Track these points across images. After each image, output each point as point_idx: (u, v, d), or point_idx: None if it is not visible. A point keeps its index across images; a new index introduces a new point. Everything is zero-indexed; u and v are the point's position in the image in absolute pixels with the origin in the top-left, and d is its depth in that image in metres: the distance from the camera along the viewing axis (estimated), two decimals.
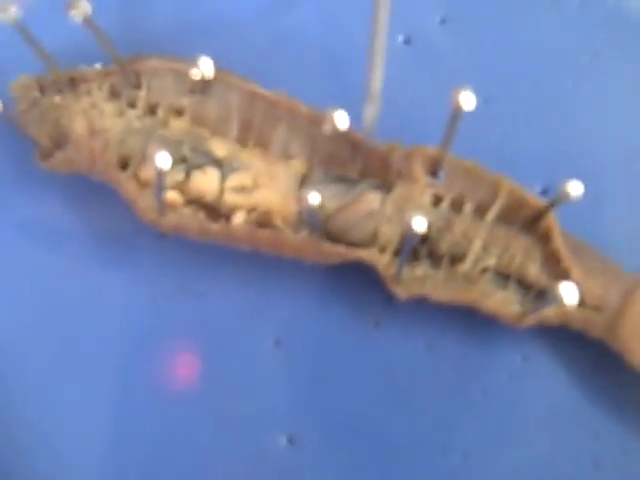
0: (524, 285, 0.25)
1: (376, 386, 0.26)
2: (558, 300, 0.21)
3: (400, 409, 0.26)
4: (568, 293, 0.21)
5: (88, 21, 0.22)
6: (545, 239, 0.25)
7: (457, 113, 0.22)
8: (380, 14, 0.22)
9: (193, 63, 0.25)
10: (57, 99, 0.26)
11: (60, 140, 0.26)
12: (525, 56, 0.29)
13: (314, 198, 0.21)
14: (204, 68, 0.24)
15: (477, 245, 0.25)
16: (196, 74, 0.24)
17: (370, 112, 0.24)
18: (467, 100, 0.21)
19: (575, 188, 0.22)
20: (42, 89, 0.26)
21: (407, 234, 0.22)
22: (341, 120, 0.22)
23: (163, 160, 0.21)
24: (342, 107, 0.25)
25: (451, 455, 0.26)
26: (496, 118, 0.28)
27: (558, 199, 0.23)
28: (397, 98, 0.28)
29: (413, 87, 0.28)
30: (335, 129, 0.22)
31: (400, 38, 0.29)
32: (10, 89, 0.26)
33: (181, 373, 0.27)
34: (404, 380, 0.26)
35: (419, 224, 0.21)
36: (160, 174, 0.22)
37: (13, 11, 0.22)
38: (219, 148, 0.25)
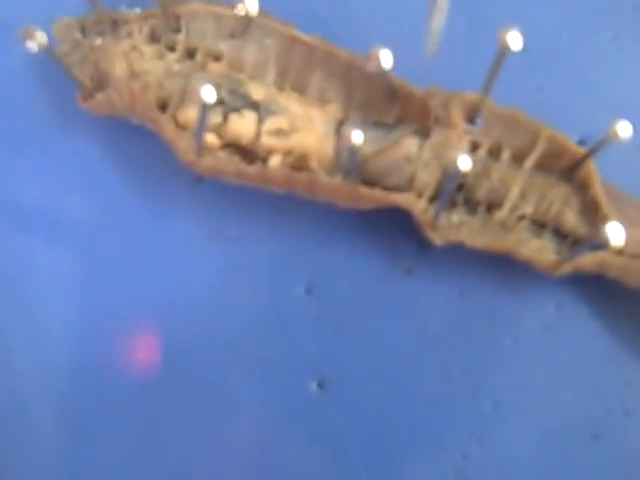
0: (560, 233, 0.25)
1: (407, 333, 0.26)
2: (604, 241, 0.20)
3: (431, 356, 0.26)
4: (615, 234, 0.20)
5: None
6: (584, 187, 0.24)
7: (503, 53, 0.21)
8: None
9: (233, 6, 0.25)
10: (98, 41, 0.26)
11: (101, 82, 0.25)
12: (566, 6, 0.28)
13: (357, 137, 0.21)
14: (249, 5, 0.23)
15: (514, 192, 0.24)
16: (240, 9, 0.23)
17: (436, 22, 0.23)
18: (514, 40, 0.21)
19: (624, 129, 0.21)
20: (84, 31, 0.26)
21: (450, 174, 0.21)
22: (386, 59, 0.22)
23: (208, 94, 0.20)
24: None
25: (481, 401, 0.26)
26: (534, 69, 0.28)
27: (605, 141, 0.22)
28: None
29: (449, 32, 0.28)
30: (379, 67, 0.22)
31: None
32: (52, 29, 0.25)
33: None
34: (436, 327, 0.26)
35: (464, 163, 0.20)
36: (204, 108, 0.21)
37: None
38: (256, 92, 0.25)
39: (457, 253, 0.25)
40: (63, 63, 0.25)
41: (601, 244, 0.20)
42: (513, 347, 0.26)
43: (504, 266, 0.25)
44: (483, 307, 0.26)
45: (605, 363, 0.25)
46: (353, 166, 0.23)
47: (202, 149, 0.24)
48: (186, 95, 0.25)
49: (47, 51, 0.22)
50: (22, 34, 0.22)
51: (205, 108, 0.21)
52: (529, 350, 0.26)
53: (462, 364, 0.26)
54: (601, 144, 0.22)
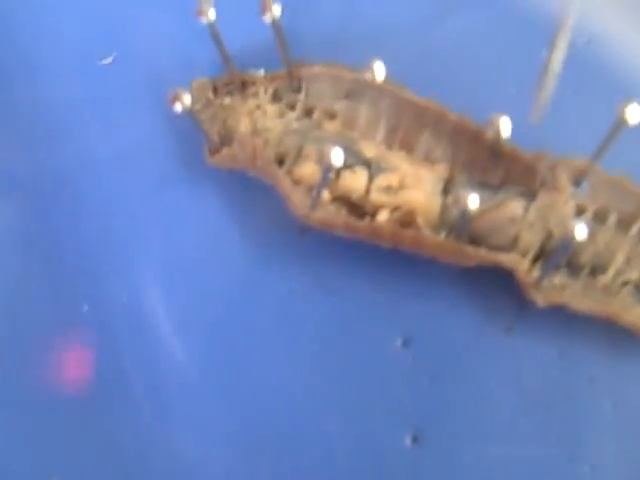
0: None
1: (504, 392, 0.26)
2: None
3: (528, 416, 0.26)
4: None
5: (276, 24, 0.24)
6: None
7: (619, 126, 0.21)
8: None
9: (353, 69, 0.26)
10: (227, 100, 0.28)
11: (227, 138, 0.27)
12: None
13: (472, 200, 0.22)
14: (377, 72, 0.25)
15: (620, 258, 0.24)
16: (368, 76, 0.25)
17: (545, 90, 0.23)
18: (634, 114, 0.21)
19: None
20: (215, 90, 0.28)
21: (563, 240, 0.21)
22: (505, 127, 0.23)
23: (337, 156, 0.22)
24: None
25: (579, 465, 0.25)
26: None
27: None
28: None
29: (559, 101, 0.28)
30: (498, 135, 0.23)
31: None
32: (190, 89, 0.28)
33: None
34: (534, 387, 0.26)
35: (581, 232, 0.21)
36: (329, 169, 0.23)
37: (211, 14, 0.23)
38: (368, 150, 0.26)
39: (557, 313, 0.25)
40: (197, 120, 0.27)
41: None
42: (612, 410, 0.25)
43: (604, 328, 0.25)
44: (582, 369, 0.26)
45: None
46: (463, 227, 0.24)
47: (317, 203, 0.25)
48: (303, 152, 0.26)
49: (188, 111, 0.24)
50: (172, 96, 0.24)
51: (329, 169, 0.23)
52: (629, 414, 0.25)
53: (560, 426, 0.26)
54: None
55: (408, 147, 0.27)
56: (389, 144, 0.27)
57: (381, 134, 0.27)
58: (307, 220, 0.26)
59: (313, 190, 0.25)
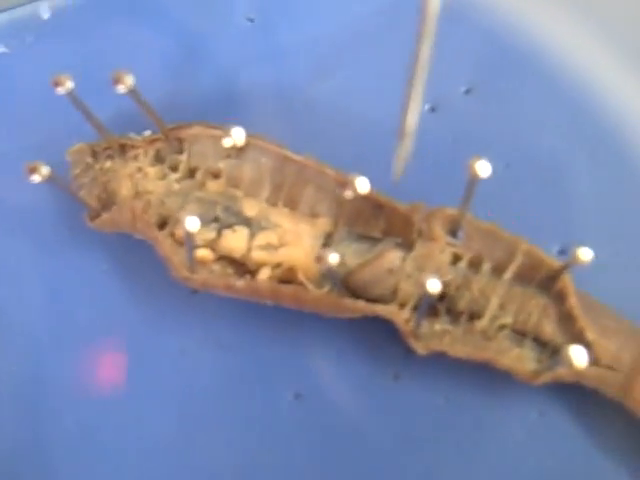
0: (541, 343, 0.25)
1: (394, 439, 0.26)
2: (568, 362, 0.20)
3: (416, 462, 0.26)
4: (578, 355, 0.20)
5: (133, 93, 0.23)
6: (561, 298, 0.24)
7: (473, 180, 0.22)
8: (423, 49, 0.22)
9: (230, 130, 0.26)
10: (107, 164, 0.27)
11: (108, 202, 0.27)
12: (542, 125, 0.29)
13: (333, 258, 0.22)
14: (236, 136, 0.25)
15: (494, 303, 0.25)
16: (228, 142, 0.25)
17: (403, 150, 0.24)
18: (483, 168, 0.21)
19: (585, 254, 0.22)
20: (95, 155, 0.27)
21: (423, 294, 0.22)
22: (362, 185, 0.23)
23: (192, 223, 0.22)
24: (367, 170, 0.26)
25: None
26: (516, 182, 0.28)
27: (571, 263, 0.22)
28: (421, 162, 0.28)
29: (436, 152, 0.29)
30: (356, 194, 0.23)
31: (426, 106, 0.30)
32: (66, 154, 0.27)
33: None
34: (422, 433, 0.26)
35: (433, 286, 0.21)
36: (189, 236, 0.23)
37: (69, 84, 0.23)
38: (250, 208, 0.26)
39: (443, 360, 0.25)
40: (72, 186, 0.27)
41: (565, 364, 0.20)
42: (498, 453, 0.26)
43: (488, 372, 0.25)
44: (468, 414, 0.26)
45: (587, 471, 0.25)
46: (335, 282, 0.24)
47: (194, 266, 0.25)
48: (178, 217, 0.26)
49: (52, 181, 0.24)
50: (27, 168, 0.24)
51: (189, 234, 0.22)
52: (513, 456, 0.26)
53: (448, 470, 0.26)
54: (568, 265, 0.23)
55: (293, 203, 0.27)
56: (274, 201, 0.27)
57: (266, 191, 0.27)
58: (188, 282, 0.26)
59: (186, 253, 0.24)
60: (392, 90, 0.29)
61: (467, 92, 0.30)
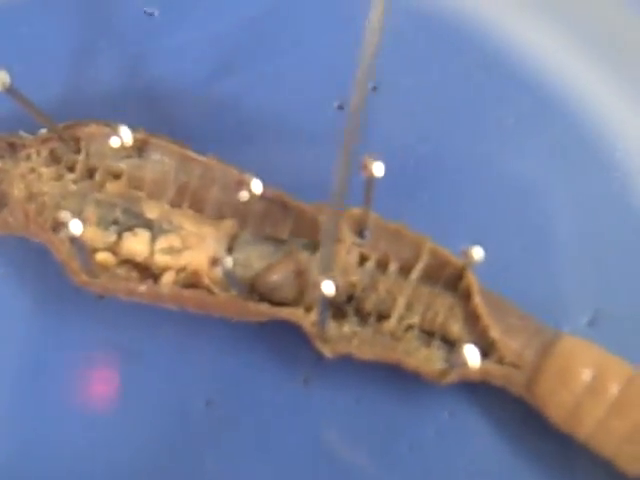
0: (449, 342, 0.24)
1: (305, 443, 0.25)
2: (461, 362, 0.19)
3: (328, 466, 0.25)
4: (470, 354, 0.19)
5: (10, 90, 0.21)
6: (466, 297, 0.24)
7: (370, 180, 0.21)
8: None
9: (132, 129, 0.24)
10: None
11: (1, 203, 0.25)
12: (453, 122, 0.28)
13: (228, 262, 0.20)
14: (123, 136, 0.23)
15: (401, 303, 0.24)
16: (115, 142, 0.23)
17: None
18: (378, 168, 0.20)
19: (477, 253, 0.21)
20: None
21: (319, 296, 0.21)
22: (255, 187, 0.22)
23: (75, 226, 0.20)
24: (274, 170, 0.25)
25: None
26: (425, 180, 0.28)
27: (467, 262, 0.22)
28: (328, 161, 0.27)
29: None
30: (251, 194, 0.22)
31: (335, 104, 0.29)
32: None
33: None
34: (333, 436, 0.25)
35: (327, 287, 0.20)
36: (74, 240, 0.21)
37: None
38: (151, 210, 0.25)
39: (354, 362, 0.24)
40: None
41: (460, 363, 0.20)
42: (409, 454, 0.25)
43: (400, 375, 0.24)
44: (379, 415, 0.25)
45: (498, 470, 0.24)
46: (236, 286, 0.23)
47: (93, 270, 0.23)
48: (82, 216, 0.24)
49: None
50: None
51: (74, 238, 0.21)
52: (424, 457, 0.25)
53: (359, 473, 0.25)
54: (467, 264, 0.22)
55: (198, 205, 0.25)
56: (179, 203, 0.25)
57: (170, 193, 0.25)
58: (87, 287, 0.24)
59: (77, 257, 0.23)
60: (291, 90, 0.29)
61: (374, 89, 0.29)
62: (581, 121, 0.28)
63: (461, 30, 0.29)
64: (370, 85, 0.29)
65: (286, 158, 0.28)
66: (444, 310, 0.24)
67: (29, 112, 0.23)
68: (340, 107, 0.29)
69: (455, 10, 0.30)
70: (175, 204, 0.25)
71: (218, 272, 0.24)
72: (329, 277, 0.20)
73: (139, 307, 0.25)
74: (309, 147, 0.28)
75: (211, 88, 0.28)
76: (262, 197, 0.24)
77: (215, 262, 0.20)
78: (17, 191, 0.24)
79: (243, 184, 0.22)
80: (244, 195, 0.22)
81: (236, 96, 0.28)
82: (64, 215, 0.20)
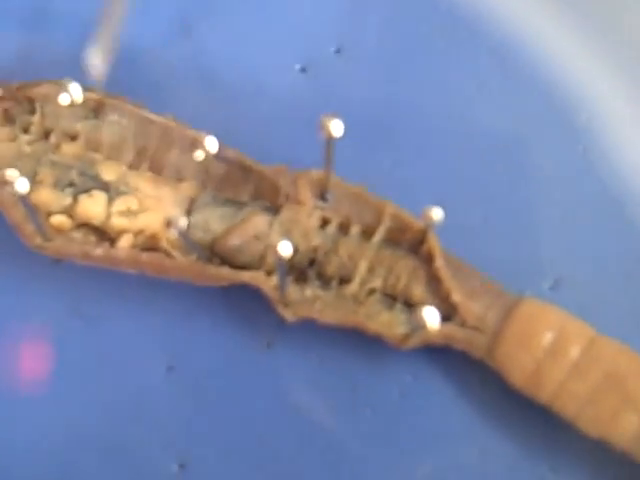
0: (412, 306, 0.23)
1: (268, 407, 0.24)
2: (421, 324, 0.19)
3: (292, 427, 0.24)
4: (430, 316, 0.19)
5: None
6: (429, 260, 0.23)
7: (329, 140, 0.20)
8: None
9: (87, 88, 0.23)
10: None
11: None
12: (417, 85, 0.28)
13: (182, 222, 0.19)
14: (73, 93, 0.22)
15: (363, 267, 0.23)
16: (65, 99, 0.22)
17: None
18: (336, 127, 0.19)
19: (436, 214, 0.20)
20: None
21: (276, 259, 0.20)
22: (211, 145, 0.20)
23: (21, 184, 0.19)
24: (234, 132, 0.24)
25: (341, 476, 0.24)
26: (389, 142, 0.27)
27: (428, 223, 0.21)
28: (291, 123, 0.26)
29: (307, 113, 0.26)
30: (206, 153, 0.21)
31: (297, 67, 0.27)
32: None
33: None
34: (296, 399, 0.24)
35: (285, 249, 0.19)
36: (24, 201, 0.20)
37: None
38: (109, 172, 0.24)
39: (317, 326, 0.23)
40: None
41: (420, 326, 0.19)
42: (372, 416, 0.24)
43: (364, 338, 0.23)
44: (343, 379, 0.24)
45: (461, 432, 0.24)
46: (193, 248, 0.22)
47: (48, 233, 0.22)
48: (37, 178, 0.23)
49: None
50: None
51: (25, 201, 0.20)
52: (388, 420, 0.24)
53: (323, 435, 0.24)
54: (428, 226, 0.21)
55: (158, 167, 0.24)
56: (137, 165, 0.24)
57: (128, 155, 0.24)
58: (41, 251, 0.23)
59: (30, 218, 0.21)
60: (253, 52, 0.27)
61: (337, 52, 0.28)
62: (547, 84, 0.27)
63: None
64: (333, 48, 0.28)
65: (248, 120, 0.27)
66: (406, 273, 0.23)
67: None
68: (302, 70, 0.27)
69: None
70: (134, 166, 0.24)
71: (175, 234, 0.23)
72: (295, 239, 0.19)
73: (97, 271, 0.24)
74: (271, 109, 0.27)
75: (167, 50, 0.27)
76: (221, 158, 0.24)
77: (170, 224, 0.19)
78: None
79: (198, 143, 0.21)
80: (199, 155, 0.21)
81: (197, 56, 0.27)
82: (10, 173, 0.19)
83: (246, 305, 0.25)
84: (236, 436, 0.24)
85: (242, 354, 0.25)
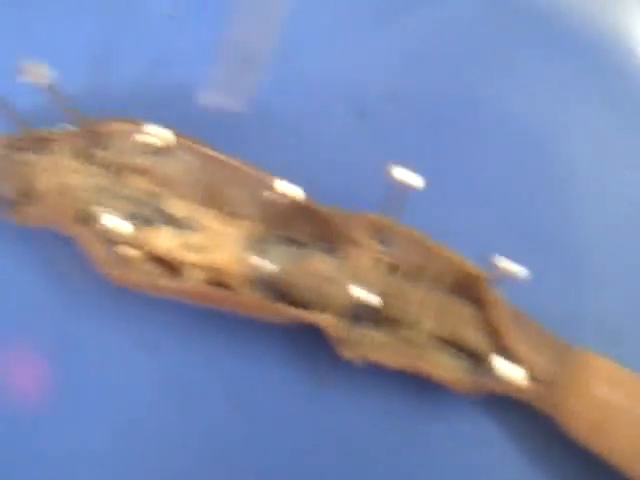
0: (465, 351, 0.24)
1: (325, 446, 0.24)
2: (498, 375, 0.19)
3: (351, 469, 0.24)
4: (511, 371, 0.19)
5: (49, 86, 0.21)
6: (485, 308, 0.23)
7: (401, 188, 0.21)
8: None
9: (159, 127, 0.24)
10: (25, 156, 0.24)
11: (27, 195, 0.24)
12: (469, 134, 0.28)
13: (269, 264, 0.20)
14: (157, 135, 0.22)
15: (418, 310, 0.23)
16: (148, 140, 0.22)
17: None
18: (411, 178, 0.20)
19: (518, 270, 0.21)
20: (11, 146, 0.24)
21: (357, 305, 0.20)
22: (282, 187, 0.21)
23: (110, 220, 0.19)
24: (292, 175, 0.25)
25: None
26: (439, 192, 0.27)
27: (498, 275, 0.22)
28: (346, 167, 0.27)
29: (363, 158, 0.27)
30: (280, 196, 0.21)
31: (353, 112, 0.28)
32: None
33: None
34: (353, 441, 0.24)
35: (355, 291, 0.20)
36: (108, 233, 0.20)
37: None
38: (175, 207, 0.24)
39: (374, 366, 0.23)
40: None
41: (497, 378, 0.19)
42: (429, 462, 0.24)
43: (420, 381, 0.23)
44: (399, 422, 0.25)
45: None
46: (265, 287, 0.22)
47: (119, 263, 0.23)
48: (107, 210, 0.24)
49: None
50: None
51: (109, 231, 0.20)
52: (446, 467, 0.24)
53: (374, 474, 0.24)
54: (496, 275, 0.22)
55: (218, 204, 0.25)
56: (200, 202, 0.25)
57: (191, 191, 0.25)
58: (112, 279, 0.23)
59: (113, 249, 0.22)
60: (311, 98, 0.28)
61: (392, 99, 0.29)
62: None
63: None
64: (388, 95, 0.29)
65: (305, 163, 0.27)
66: (461, 319, 0.24)
67: (64, 107, 0.22)
68: (360, 115, 0.28)
69: None
70: (198, 203, 0.25)
71: (243, 271, 0.23)
72: (359, 283, 0.19)
73: (163, 302, 0.24)
74: (328, 153, 0.28)
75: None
76: (284, 199, 0.24)
77: (244, 262, 0.19)
78: (44, 184, 0.24)
79: (268, 184, 0.21)
80: (269, 195, 0.21)
81: (258, 102, 0.28)
82: (96, 209, 0.19)
83: (305, 343, 0.25)
84: (292, 470, 0.24)
85: (301, 391, 0.25)
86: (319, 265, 0.24)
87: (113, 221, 0.20)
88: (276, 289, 0.24)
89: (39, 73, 0.21)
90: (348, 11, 0.30)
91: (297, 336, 0.25)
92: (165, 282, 0.23)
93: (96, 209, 0.23)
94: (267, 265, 0.20)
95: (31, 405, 0.24)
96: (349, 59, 0.29)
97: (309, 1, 0.29)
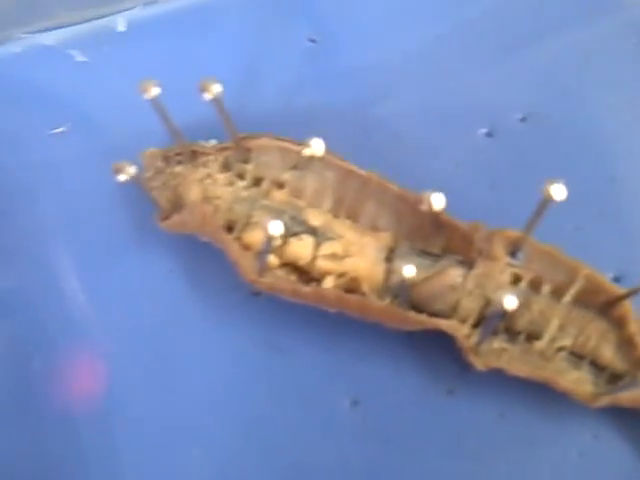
0: (598, 366, 0.23)
1: (447, 452, 0.25)
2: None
3: (470, 477, 0.24)
4: None
5: (217, 101, 0.23)
6: (620, 324, 0.23)
7: (546, 202, 0.21)
8: None
9: (299, 142, 0.25)
10: (178, 169, 0.26)
11: (177, 204, 0.26)
12: (602, 153, 0.28)
13: (409, 271, 0.21)
14: (315, 148, 0.24)
15: (554, 325, 0.23)
16: (306, 152, 0.24)
17: None
18: (558, 191, 0.20)
19: None
20: (166, 159, 0.27)
21: (495, 309, 0.21)
22: (437, 202, 0.22)
23: (275, 227, 0.21)
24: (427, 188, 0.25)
25: None
26: (573, 208, 0.27)
27: (636, 290, 0.21)
28: (475, 184, 0.27)
29: (493, 176, 0.28)
30: (431, 209, 0.22)
31: (483, 131, 0.29)
32: (140, 157, 0.26)
33: None
34: (475, 448, 0.25)
35: (510, 303, 0.20)
36: (270, 240, 0.22)
37: (154, 91, 0.22)
38: (314, 218, 0.25)
39: (497, 376, 0.24)
40: (146, 188, 0.26)
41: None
42: (551, 473, 0.24)
43: (543, 391, 0.24)
44: (522, 431, 0.25)
45: None
46: (403, 295, 0.23)
47: (264, 269, 0.24)
48: (251, 220, 0.25)
49: (135, 180, 0.23)
50: (115, 167, 0.23)
51: (270, 238, 0.21)
52: (565, 477, 0.24)
53: None
54: (631, 292, 0.22)
55: (354, 216, 0.26)
56: (335, 213, 0.26)
57: (328, 203, 0.26)
58: (255, 285, 0.24)
59: (260, 256, 0.23)
60: (443, 116, 0.29)
61: (523, 120, 0.29)
62: None
63: None
64: (519, 116, 0.29)
65: (434, 180, 0.28)
66: (596, 335, 0.23)
67: (224, 122, 0.24)
68: (488, 134, 0.29)
69: None
70: (332, 214, 0.26)
71: (377, 280, 0.24)
72: (511, 292, 0.20)
73: (290, 307, 0.25)
74: (457, 171, 0.28)
75: (369, 111, 0.29)
76: (418, 211, 0.25)
77: (393, 272, 0.20)
78: (195, 194, 0.26)
79: (423, 198, 0.22)
80: (423, 208, 0.22)
81: (389, 119, 0.29)
82: (260, 217, 0.21)
83: (430, 351, 0.26)
84: (415, 475, 0.25)
85: (423, 397, 0.26)
86: (453, 276, 0.24)
87: (278, 229, 0.21)
88: (407, 298, 0.24)
89: (212, 89, 0.22)
90: (483, 37, 0.31)
91: (420, 344, 0.25)
92: (306, 288, 0.24)
93: (256, 219, 0.24)
94: (404, 273, 0.21)
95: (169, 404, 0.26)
96: (484, 81, 0.29)
97: (452, 26, 0.30)
